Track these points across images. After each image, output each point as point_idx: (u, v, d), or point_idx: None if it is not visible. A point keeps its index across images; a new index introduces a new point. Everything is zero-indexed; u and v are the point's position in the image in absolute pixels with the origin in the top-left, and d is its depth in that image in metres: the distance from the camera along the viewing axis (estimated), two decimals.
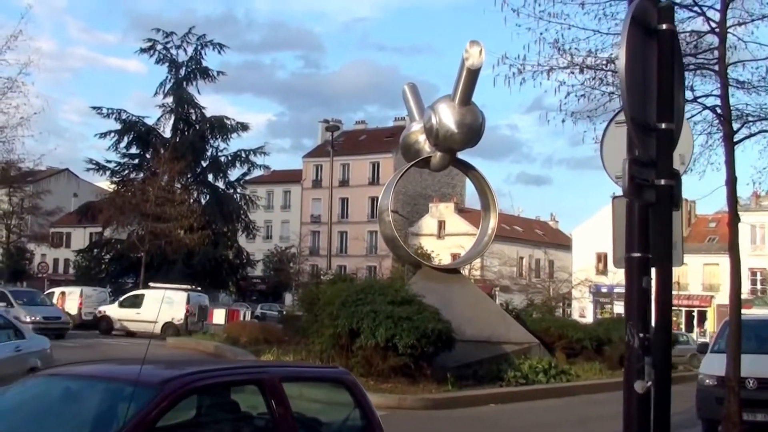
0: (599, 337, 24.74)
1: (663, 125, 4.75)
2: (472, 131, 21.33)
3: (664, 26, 4.79)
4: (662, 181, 4.77)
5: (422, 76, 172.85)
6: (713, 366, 13.85)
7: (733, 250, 11.95)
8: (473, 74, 20.23)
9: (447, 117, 20.87)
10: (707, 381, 14.12)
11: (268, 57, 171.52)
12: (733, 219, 12.00)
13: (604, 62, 13.31)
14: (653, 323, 5.31)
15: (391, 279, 24.94)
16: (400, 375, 16.88)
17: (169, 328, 35.16)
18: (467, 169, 23.58)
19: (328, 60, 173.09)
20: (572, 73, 13.42)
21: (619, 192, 6.07)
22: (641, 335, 5.21)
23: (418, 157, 22.57)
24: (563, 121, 14.05)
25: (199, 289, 40.18)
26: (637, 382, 5.18)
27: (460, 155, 22.78)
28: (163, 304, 35.68)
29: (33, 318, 31.08)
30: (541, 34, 13.22)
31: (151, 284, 42.14)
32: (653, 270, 5.30)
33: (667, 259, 4.95)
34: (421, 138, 22.29)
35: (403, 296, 17.56)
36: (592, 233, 77.10)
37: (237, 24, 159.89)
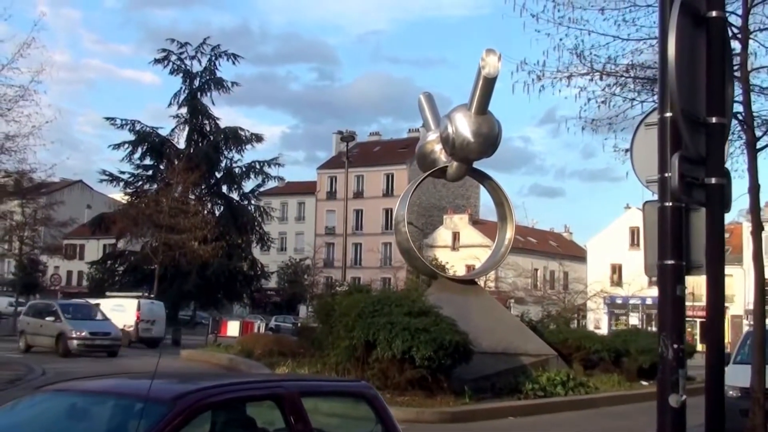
0: (617, 348, 24.43)
1: (714, 119, 4.51)
2: (489, 141, 21.13)
3: (714, 13, 4.55)
4: (713, 180, 4.50)
5: (436, 88, 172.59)
6: (737, 377, 13.53)
7: (757, 259, 11.71)
8: (490, 83, 20.04)
9: (463, 126, 20.67)
10: (730, 393, 13.78)
11: (283, 69, 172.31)
12: (757, 228, 11.76)
13: (624, 69, 13.14)
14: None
15: (407, 290, 24.64)
16: (417, 388, 16.62)
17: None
18: (483, 178, 23.36)
19: (342, 72, 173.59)
20: (592, 79, 13.25)
21: (649, 197, 5.85)
22: (675, 346, 4.98)
23: (434, 166, 22.38)
24: (582, 128, 13.87)
25: (152, 296, 40.30)
26: (672, 395, 4.95)
27: (476, 165, 22.57)
28: (114, 312, 35.48)
29: (78, 333, 29.33)
30: (560, 39, 13.06)
31: (108, 293, 42.75)
32: (687, 276, 5.08)
33: (720, 264, 4.71)
34: (437, 147, 22.09)
35: (419, 307, 17.32)
36: (607, 244, 76.76)
37: (251, 36, 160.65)
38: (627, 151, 14.21)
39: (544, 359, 21.32)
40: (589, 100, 12.72)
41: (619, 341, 25.32)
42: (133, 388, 4.61)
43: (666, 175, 5.07)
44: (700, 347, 44.30)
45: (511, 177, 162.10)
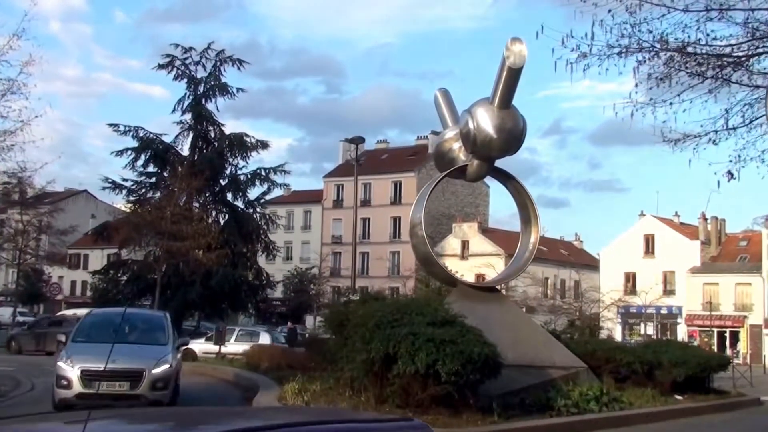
0: (649, 360, 22.85)
1: None
2: (513, 137, 19.61)
3: None
4: None
5: None
6: None
7: None
8: (515, 74, 18.53)
9: (485, 121, 19.16)
10: None
11: (291, 83, 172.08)
12: None
13: (682, 44, 11.81)
14: None
15: (428, 298, 23.10)
16: (441, 405, 15.06)
17: None
18: (506, 179, 21.82)
19: (349, 85, 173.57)
20: (649, 56, 11.97)
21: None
22: None
23: (452, 166, 20.89)
24: (632, 114, 12.65)
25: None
26: None
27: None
28: None
29: None
30: (609, 11, 11.76)
31: None
32: None
33: None
34: (456, 145, 20.64)
35: (443, 316, 15.76)
36: (621, 253, 75.27)
37: (260, 51, 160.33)
38: (678, 142, 12.84)
39: (573, 372, 19.81)
40: (649, 75, 11.47)
41: (650, 352, 23.72)
42: None
43: None
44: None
45: None
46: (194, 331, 62.44)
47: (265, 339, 36.29)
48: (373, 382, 15.42)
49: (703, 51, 11.75)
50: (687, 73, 11.80)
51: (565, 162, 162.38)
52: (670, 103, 11.98)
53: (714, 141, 12.49)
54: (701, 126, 12.29)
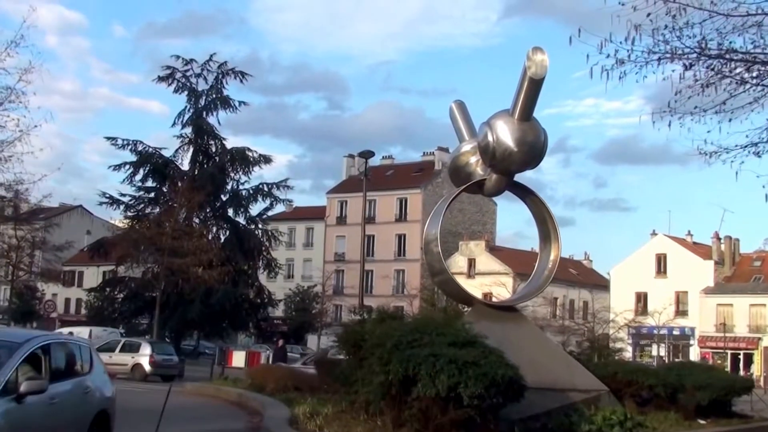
0: (672, 383, 21.94)
1: None
2: (534, 150, 18.82)
3: None
4: None
5: (446, 119, 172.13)
6: None
7: None
8: (536, 85, 17.76)
9: (505, 134, 18.36)
10: None
11: (292, 98, 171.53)
12: None
13: (725, 50, 11.14)
14: None
15: (447, 317, 22.24)
16: (461, 430, 14.15)
17: None
18: (525, 194, 20.98)
19: (351, 102, 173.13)
20: (690, 60, 11.32)
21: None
22: None
23: (469, 180, 20.09)
24: (669, 124, 11.98)
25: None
26: None
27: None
28: None
29: None
30: (648, 15, 11.11)
31: None
32: None
33: None
34: (473, 159, 19.88)
35: (465, 337, 14.87)
36: (632, 272, 74.21)
37: (261, 66, 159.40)
38: (714, 154, 12.11)
39: (595, 396, 18.89)
40: (696, 81, 10.82)
41: (673, 375, 22.81)
42: None
43: None
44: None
45: (523, 206, 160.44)
46: (193, 350, 61.42)
47: (145, 350, 34.80)
48: (390, 405, 14.51)
49: (748, 58, 11.12)
50: (733, 80, 11.15)
51: (570, 180, 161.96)
52: (716, 112, 11.33)
53: (757, 153, 11.79)
54: (746, 136, 11.61)
